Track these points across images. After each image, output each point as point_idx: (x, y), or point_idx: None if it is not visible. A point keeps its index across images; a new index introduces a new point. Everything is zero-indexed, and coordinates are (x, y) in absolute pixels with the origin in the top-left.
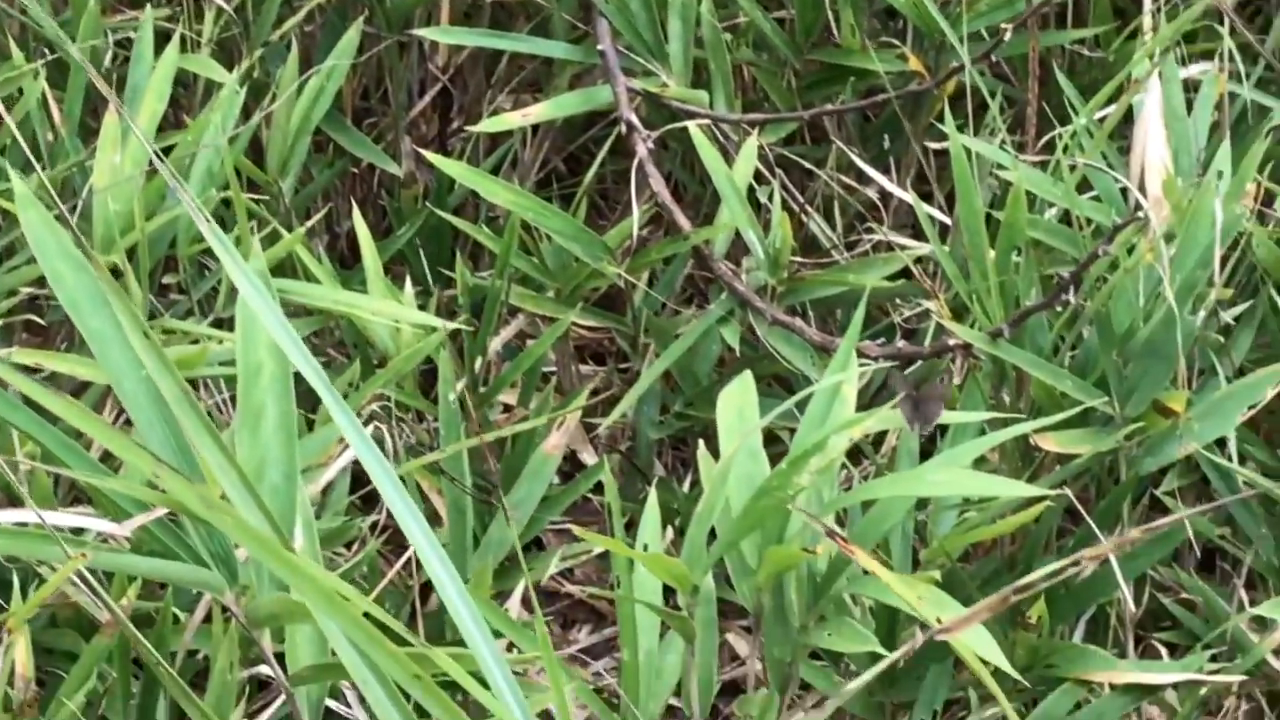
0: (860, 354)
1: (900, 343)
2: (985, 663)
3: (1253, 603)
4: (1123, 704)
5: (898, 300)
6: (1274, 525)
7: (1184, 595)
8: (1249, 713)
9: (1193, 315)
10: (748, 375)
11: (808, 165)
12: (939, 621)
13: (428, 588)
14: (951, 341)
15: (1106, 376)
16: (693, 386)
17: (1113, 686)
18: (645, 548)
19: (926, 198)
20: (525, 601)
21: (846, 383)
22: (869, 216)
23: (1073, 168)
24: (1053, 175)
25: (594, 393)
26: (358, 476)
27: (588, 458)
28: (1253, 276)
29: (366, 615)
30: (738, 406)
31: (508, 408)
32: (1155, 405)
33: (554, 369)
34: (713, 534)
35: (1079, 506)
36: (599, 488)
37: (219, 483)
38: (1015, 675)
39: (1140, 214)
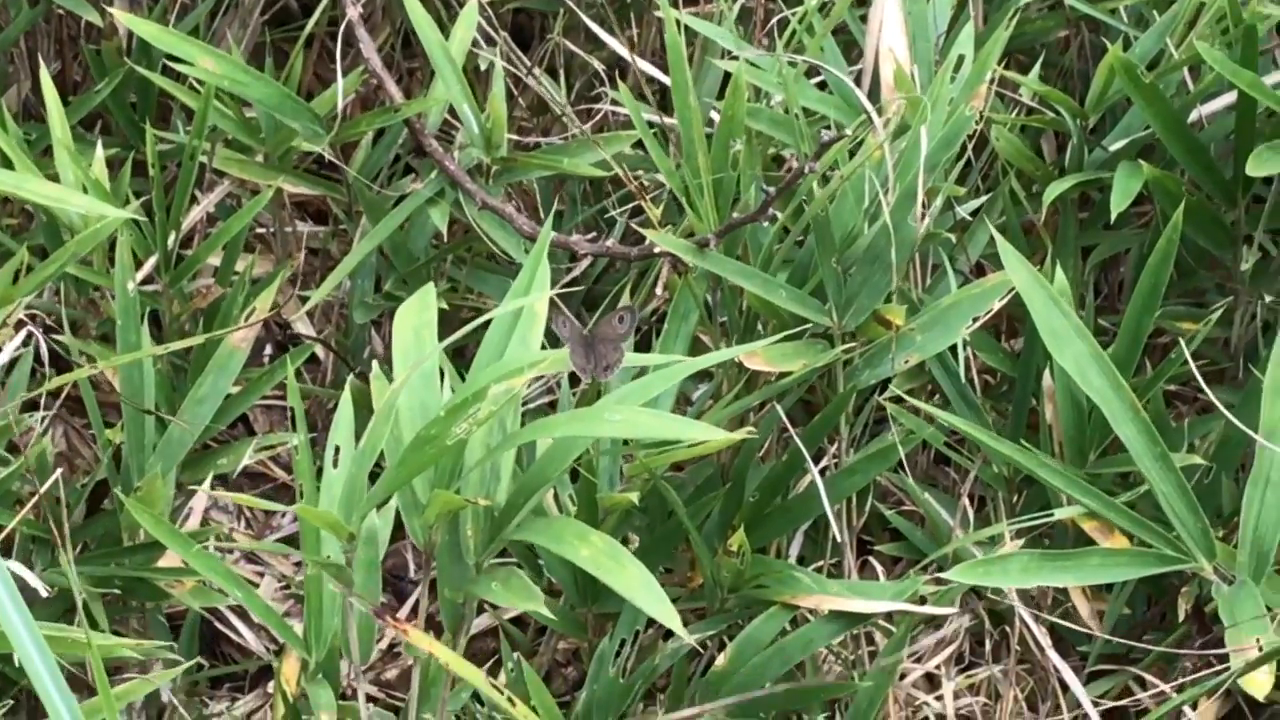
0: (566, 248)
1: (610, 241)
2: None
3: (979, 513)
4: (833, 630)
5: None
6: (1006, 431)
7: (908, 506)
8: (970, 628)
9: (916, 222)
10: (429, 291)
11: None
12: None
13: (103, 486)
14: (657, 250)
15: (825, 283)
16: (408, 263)
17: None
18: (336, 451)
19: None
20: (233, 487)
21: (535, 301)
22: (607, 78)
23: (792, 64)
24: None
25: (313, 251)
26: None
27: (302, 327)
28: (994, 166)
29: None
30: (414, 326)
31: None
32: (875, 316)
33: (269, 227)
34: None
35: (789, 427)
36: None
37: None
38: (685, 636)
39: (846, 131)
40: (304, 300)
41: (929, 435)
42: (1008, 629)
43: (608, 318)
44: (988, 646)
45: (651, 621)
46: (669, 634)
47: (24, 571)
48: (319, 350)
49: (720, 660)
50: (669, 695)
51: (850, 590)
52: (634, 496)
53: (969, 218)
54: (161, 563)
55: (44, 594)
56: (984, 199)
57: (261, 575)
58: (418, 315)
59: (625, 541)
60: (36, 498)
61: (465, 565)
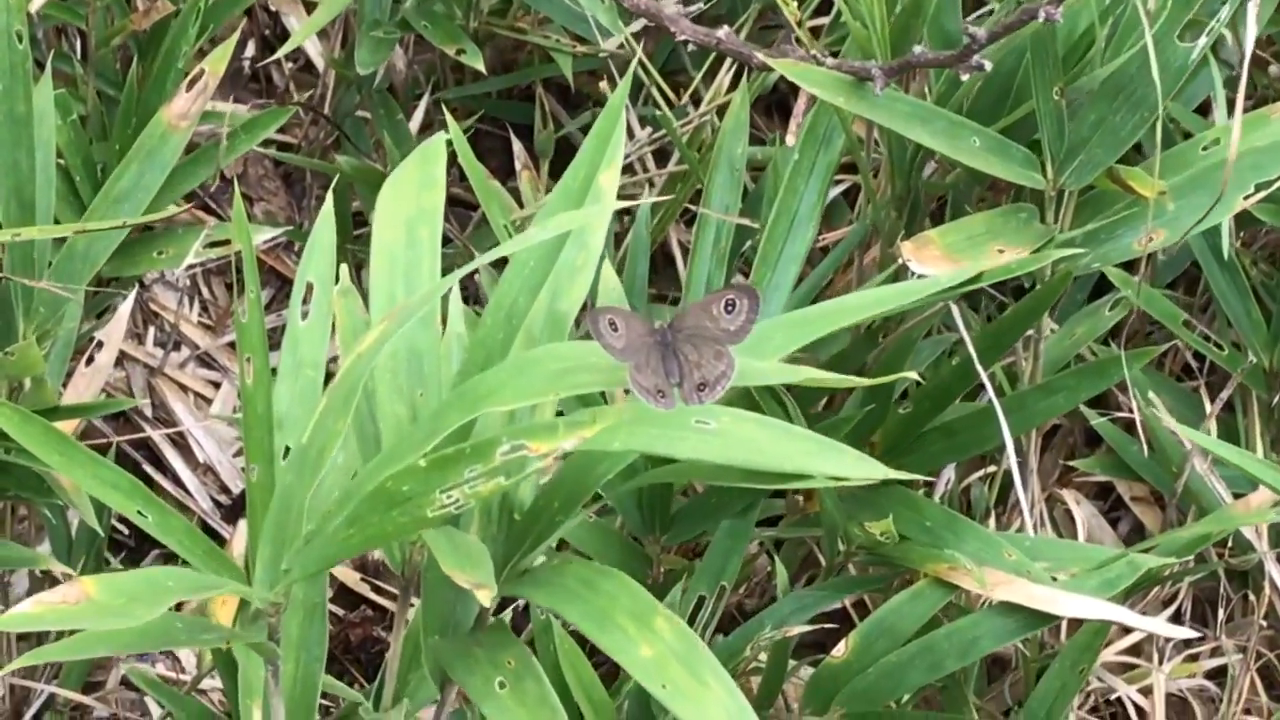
0: (655, 20)
1: (724, 30)
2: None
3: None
4: (1009, 628)
5: None
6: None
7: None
8: (1196, 583)
9: (1191, 41)
10: (436, 151)
11: None
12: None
13: None
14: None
15: (1040, 125)
16: None
17: None
18: (308, 291)
19: None
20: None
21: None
22: None
23: None
24: None
25: None
26: None
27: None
28: None
29: None
30: (406, 218)
31: None
32: (1111, 176)
33: None
34: None
35: (963, 333)
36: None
37: None
38: None
39: None
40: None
41: (1183, 334)
42: (1251, 595)
43: (704, 302)
44: (1221, 614)
45: (746, 589)
46: (771, 597)
47: None
48: (316, 55)
49: (840, 650)
50: (759, 691)
51: (1036, 551)
52: None
53: None
54: None
55: None
56: None
57: (218, 386)
58: (414, 198)
59: None
60: None
61: (466, 602)
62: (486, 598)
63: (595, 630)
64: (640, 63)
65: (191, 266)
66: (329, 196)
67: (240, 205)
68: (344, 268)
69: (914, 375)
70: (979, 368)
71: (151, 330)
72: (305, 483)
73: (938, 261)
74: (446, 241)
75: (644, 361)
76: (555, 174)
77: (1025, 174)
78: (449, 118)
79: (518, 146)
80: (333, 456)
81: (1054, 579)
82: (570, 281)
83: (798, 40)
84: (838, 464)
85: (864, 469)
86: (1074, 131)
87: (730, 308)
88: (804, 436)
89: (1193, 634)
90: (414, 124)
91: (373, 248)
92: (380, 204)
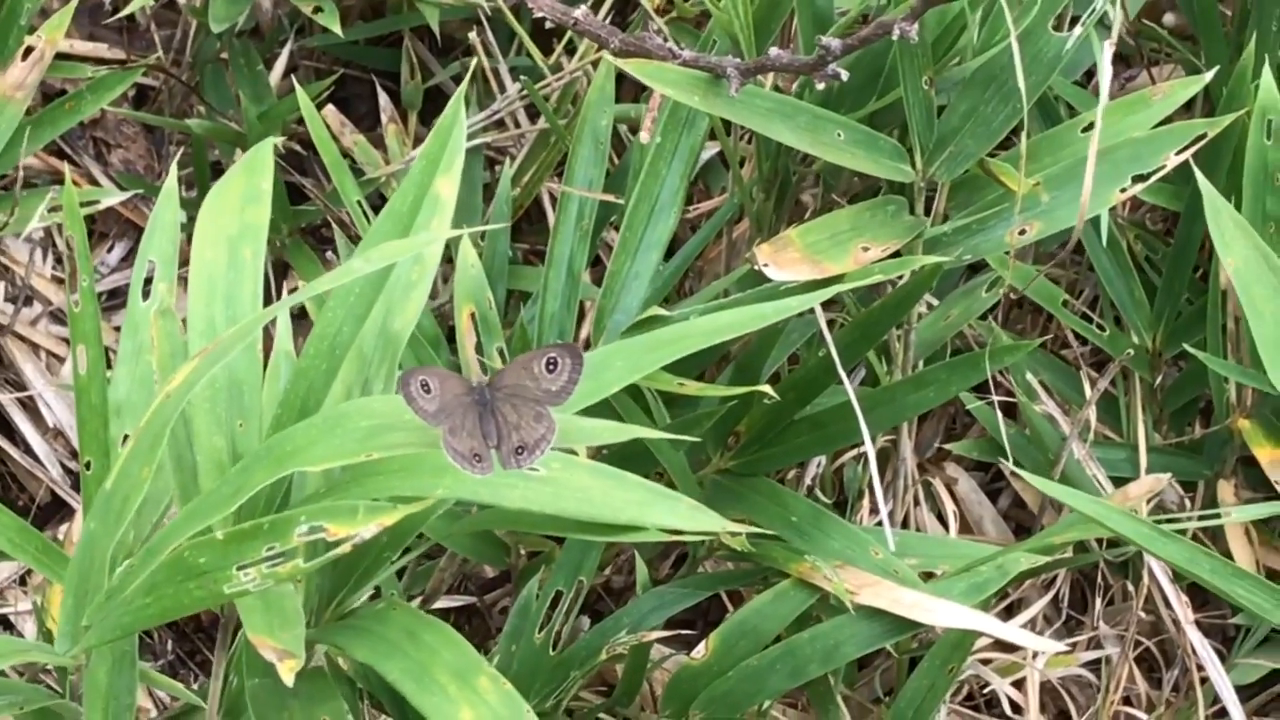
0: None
1: (580, 10)
2: None
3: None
4: (874, 633)
5: None
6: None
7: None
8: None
9: (1067, 30)
10: (262, 157)
11: None
12: None
13: None
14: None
15: (908, 115)
16: None
17: None
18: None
19: None
20: None
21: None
22: None
23: None
24: None
25: None
26: None
27: None
28: None
29: None
30: (228, 235)
31: None
32: (983, 168)
33: None
34: None
35: (827, 337)
36: None
37: None
38: None
39: None
40: None
41: (1062, 315)
42: (1130, 585)
43: (525, 360)
44: (1099, 604)
45: (613, 566)
46: (631, 582)
47: None
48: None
49: (700, 651)
50: (617, 692)
51: (905, 547)
52: None
53: None
54: None
55: None
56: None
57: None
58: (238, 214)
59: None
60: None
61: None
62: (289, 672)
63: (414, 689)
64: (511, 15)
65: (45, 216)
66: (172, 170)
67: (71, 191)
68: (163, 286)
69: (768, 389)
70: (841, 372)
71: (1, 285)
72: (109, 531)
73: (797, 265)
74: (305, 199)
75: (459, 424)
76: (426, 122)
77: (893, 167)
78: (299, 88)
79: (384, 99)
80: (138, 502)
81: (926, 575)
82: (404, 298)
83: (657, 30)
84: (673, 516)
85: (700, 521)
86: (944, 122)
87: (552, 367)
88: (638, 486)
89: (1061, 646)
90: (276, 73)
91: (191, 267)
92: (201, 219)
